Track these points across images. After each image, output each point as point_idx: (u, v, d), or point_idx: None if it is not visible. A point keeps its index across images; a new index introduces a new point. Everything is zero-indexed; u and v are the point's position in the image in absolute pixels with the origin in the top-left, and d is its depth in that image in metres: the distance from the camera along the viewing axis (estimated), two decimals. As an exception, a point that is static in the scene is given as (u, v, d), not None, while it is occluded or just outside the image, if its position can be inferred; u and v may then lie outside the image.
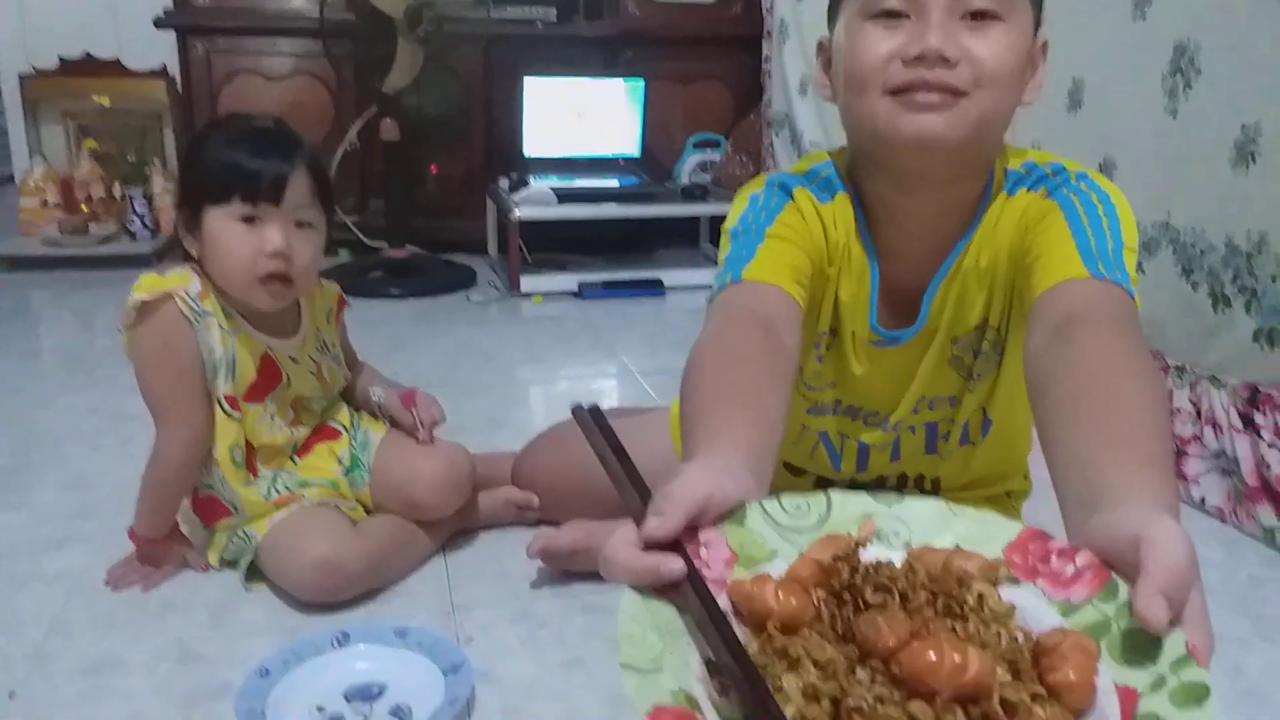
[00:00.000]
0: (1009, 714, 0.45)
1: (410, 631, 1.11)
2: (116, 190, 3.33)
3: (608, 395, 2.02)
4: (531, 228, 2.85)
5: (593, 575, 1.26)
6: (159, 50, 3.30)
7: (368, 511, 1.34)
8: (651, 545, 0.51)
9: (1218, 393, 1.46)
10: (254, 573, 1.26)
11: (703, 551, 0.53)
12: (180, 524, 1.31)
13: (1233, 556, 1.38)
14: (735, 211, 0.99)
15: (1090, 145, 1.71)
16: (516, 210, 2.76)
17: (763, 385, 0.76)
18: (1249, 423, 1.42)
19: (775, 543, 0.55)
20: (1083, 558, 0.52)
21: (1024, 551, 0.53)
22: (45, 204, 3.28)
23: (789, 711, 0.45)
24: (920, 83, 0.84)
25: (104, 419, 1.84)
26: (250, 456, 1.28)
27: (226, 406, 1.24)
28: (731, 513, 0.56)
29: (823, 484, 1.14)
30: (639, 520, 0.53)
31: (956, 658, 0.44)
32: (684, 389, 0.76)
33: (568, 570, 1.27)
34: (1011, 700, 0.45)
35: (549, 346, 2.41)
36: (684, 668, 0.46)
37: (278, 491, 1.28)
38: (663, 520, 0.52)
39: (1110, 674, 0.46)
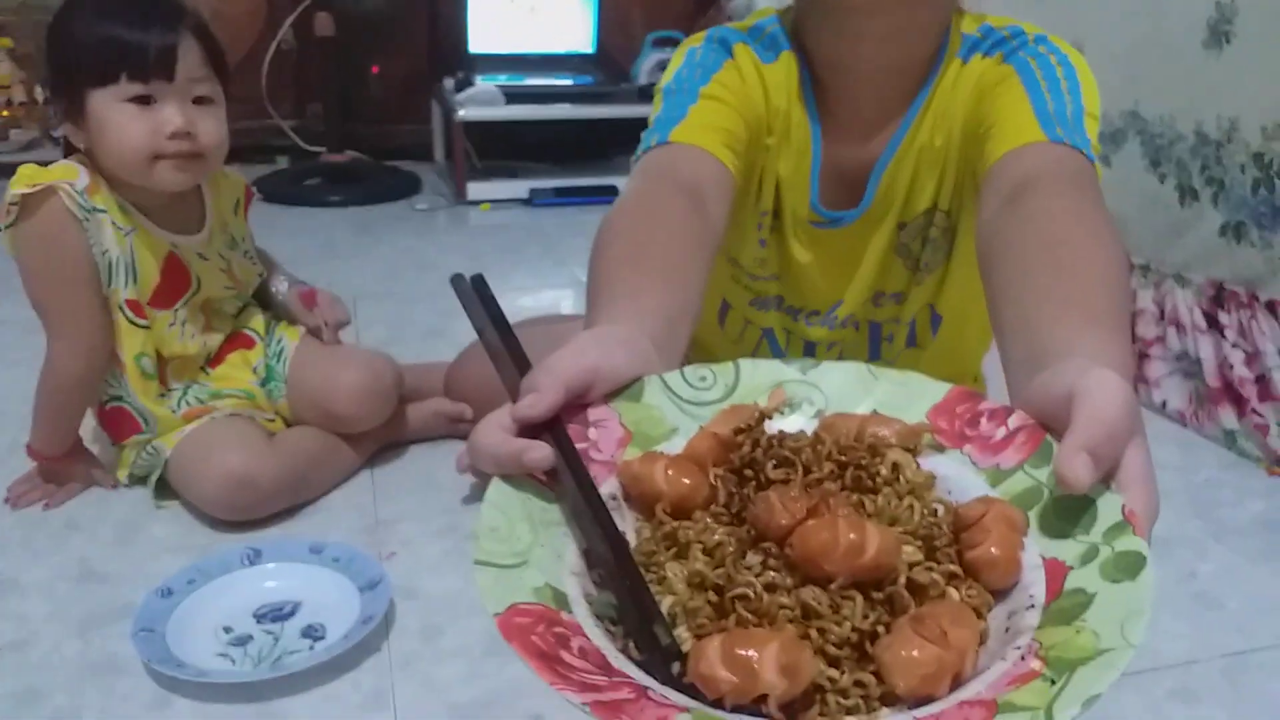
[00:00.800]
0: (918, 597, 0.40)
1: (326, 547, 1.05)
2: (39, 94, 3.15)
3: (556, 307, 1.93)
4: (480, 131, 2.72)
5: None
6: (78, -60, 3.09)
7: (287, 424, 1.26)
8: (526, 426, 0.45)
9: (1182, 292, 1.41)
10: (165, 489, 1.18)
11: (592, 432, 0.47)
12: (88, 442, 1.23)
13: (1191, 459, 1.34)
14: (671, 68, 0.90)
15: (1056, 30, 1.61)
16: (461, 111, 2.62)
17: (679, 251, 0.68)
18: (1213, 322, 1.36)
19: (676, 419, 0.49)
20: (1016, 419, 0.46)
21: (950, 415, 0.47)
22: (-38, 108, 3.09)
23: (668, 603, 0.41)
24: None
25: (12, 330, 1.73)
26: (161, 368, 1.19)
27: (130, 313, 1.14)
28: (627, 388, 0.49)
29: None
30: (515, 399, 0.46)
31: (853, 536, 0.39)
32: (592, 257, 0.68)
33: None
34: (921, 582, 0.40)
35: (495, 256, 2.31)
36: (556, 561, 0.42)
37: (188, 404, 1.19)
38: (537, 397, 0.45)
39: (1038, 547, 0.41)
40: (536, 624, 0.38)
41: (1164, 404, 1.45)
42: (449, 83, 2.74)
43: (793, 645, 0.36)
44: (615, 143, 3.16)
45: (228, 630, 0.96)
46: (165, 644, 0.91)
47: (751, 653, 0.35)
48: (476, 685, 0.89)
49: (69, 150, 1.13)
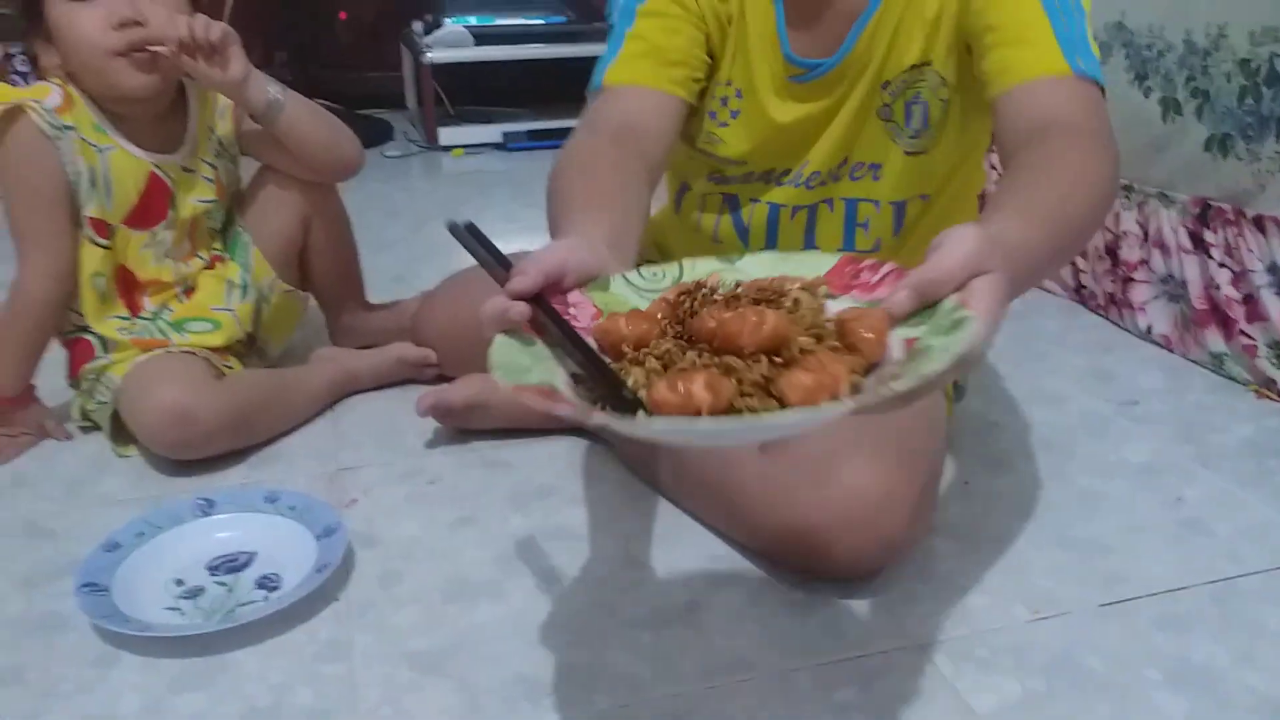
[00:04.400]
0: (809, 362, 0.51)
1: (281, 495, 1.01)
2: (-5, 48, 3.05)
3: (533, 249, 1.88)
4: (451, 75, 2.64)
5: (492, 433, 1.16)
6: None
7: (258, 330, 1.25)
8: (516, 299, 0.54)
9: (1167, 212, 1.36)
10: (122, 434, 1.14)
11: (571, 311, 0.58)
12: (41, 400, 1.19)
13: (1179, 384, 1.31)
14: None
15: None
16: (429, 54, 2.54)
17: (616, 190, 0.77)
18: (1199, 242, 1.32)
19: (636, 301, 0.60)
20: (886, 266, 0.58)
21: (840, 274, 0.59)
22: (-84, 65, 3.00)
23: (630, 380, 0.53)
24: None
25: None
26: (133, 290, 1.16)
27: (91, 231, 1.12)
28: (596, 281, 0.60)
29: None
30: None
31: (754, 318, 0.51)
32: (547, 199, 0.78)
33: (465, 428, 1.17)
34: (810, 349, 0.51)
35: (467, 201, 2.25)
36: (551, 377, 0.53)
37: (150, 334, 1.16)
38: (522, 276, 0.54)
39: (900, 334, 0.52)
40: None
41: (1149, 329, 1.41)
42: (418, 26, 2.66)
43: (715, 376, 0.49)
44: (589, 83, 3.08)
45: (179, 583, 0.92)
46: (110, 600, 0.87)
47: (686, 380, 0.48)
48: (435, 633, 0.86)
49: (41, 72, 1.11)
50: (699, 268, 0.62)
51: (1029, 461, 1.12)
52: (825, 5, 0.90)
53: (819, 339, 0.52)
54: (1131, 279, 1.43)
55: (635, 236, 0.72)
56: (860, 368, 0.51)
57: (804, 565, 0.89)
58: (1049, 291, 1.61)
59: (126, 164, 1.13)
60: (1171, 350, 1.38)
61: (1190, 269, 1.33)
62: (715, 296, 0.57)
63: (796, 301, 0.56)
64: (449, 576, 0.93)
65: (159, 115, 1.14)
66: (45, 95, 1.09)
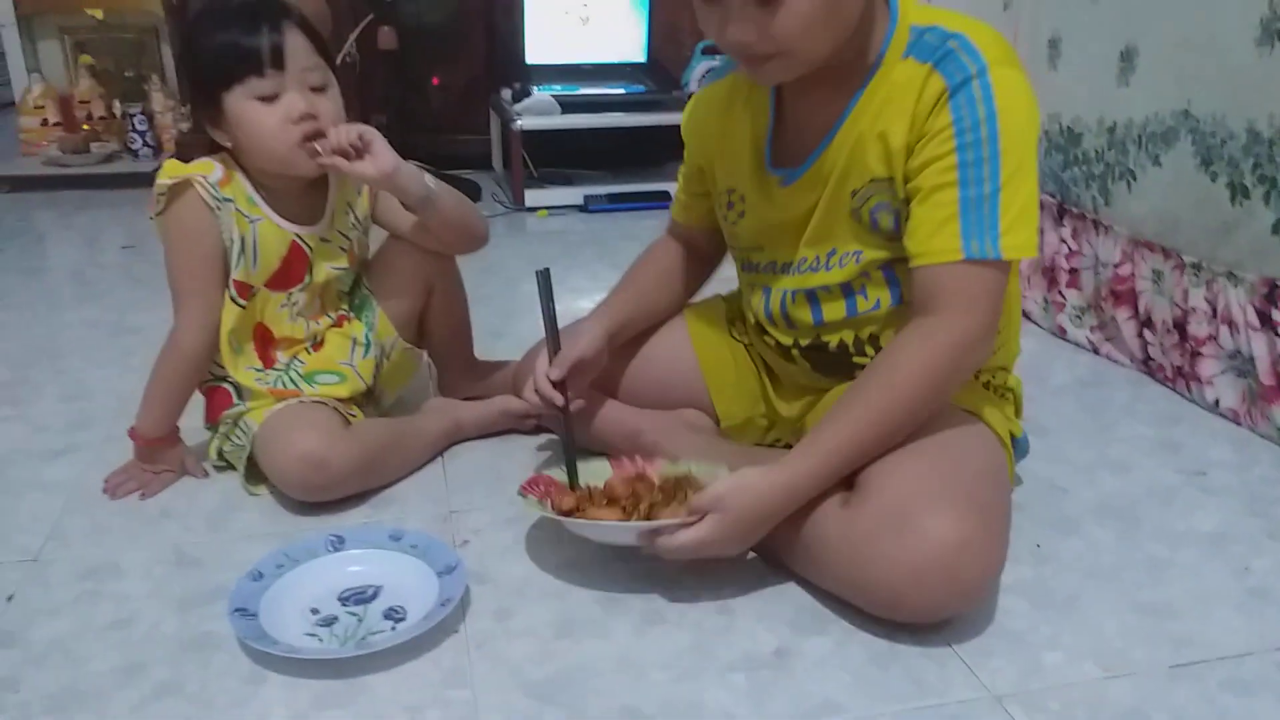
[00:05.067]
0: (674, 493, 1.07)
1: (405, 535, 1.11)
2: (116, 108, 3.28)
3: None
4: (536, 140, 2.79)
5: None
6: (152, -39, 3.21)
7: (377, 374, 1.35)
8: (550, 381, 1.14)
9: (1235, 290, 1.42)
10: (254, 474, 1.26)
11: (647, 468, 1.16)
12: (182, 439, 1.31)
13: (1245, 458, 1.35)
14: None
15: (1110, 31, 1.63)
16: (519, 121, 2.70)
17: (649, 275, 1.31)
18: (1266, 320, 1.37)
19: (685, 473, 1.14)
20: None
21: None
22: (45, 123, 3.23)
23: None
24: (737, 57, 1.00)
25: (104, 333, 1.84)
26: (268, 344, 1.29)
27: (233, 292, 1.24)
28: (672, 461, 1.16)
29: (783, 349, 1.21)
30: (551, 357, 1.15)
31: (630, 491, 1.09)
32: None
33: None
34: (655, 501, 1.06)
35: (552, 260, 2.35)
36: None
37: (283, 384, 1.27)
38: (556, 369, 1.14)
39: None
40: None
41: (1217, 402, 1.46)
42: (506, 93, 2.82)
43: (612, 509, 1.06)
44: (666, 149, 3.19)
45: (315, 611, 1.02)
46: (259, 624, 0.98)
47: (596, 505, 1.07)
48: (548, 665, 0.94)
49: (213, 149, 1.25)
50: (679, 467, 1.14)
51: (1099, 527, 1.18)
52: (802, 120, 1.08)
53: (670, 495, 1.06)
54: (1199, 353, 1.48)
55: (636, 317, 1.26)
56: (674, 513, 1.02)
57: (884, 611, 0.96)
58: (1117, 363, 1.66)
59: (272, 233, 1.25)
60: (1239, 424, 1.43)
61: (1258, 345, 1.39)
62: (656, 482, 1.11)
63: (679, 482, 1.08)
64: (558, 614, 1.02)
65: (304, 190, 1.27)
66: (209, 171, 1.22)
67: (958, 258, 0.96)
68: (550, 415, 1.21)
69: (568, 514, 1.05)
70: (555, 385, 1.15)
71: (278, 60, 1.16)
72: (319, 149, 1.19)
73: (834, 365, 1.15)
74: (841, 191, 1.06)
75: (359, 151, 1.19)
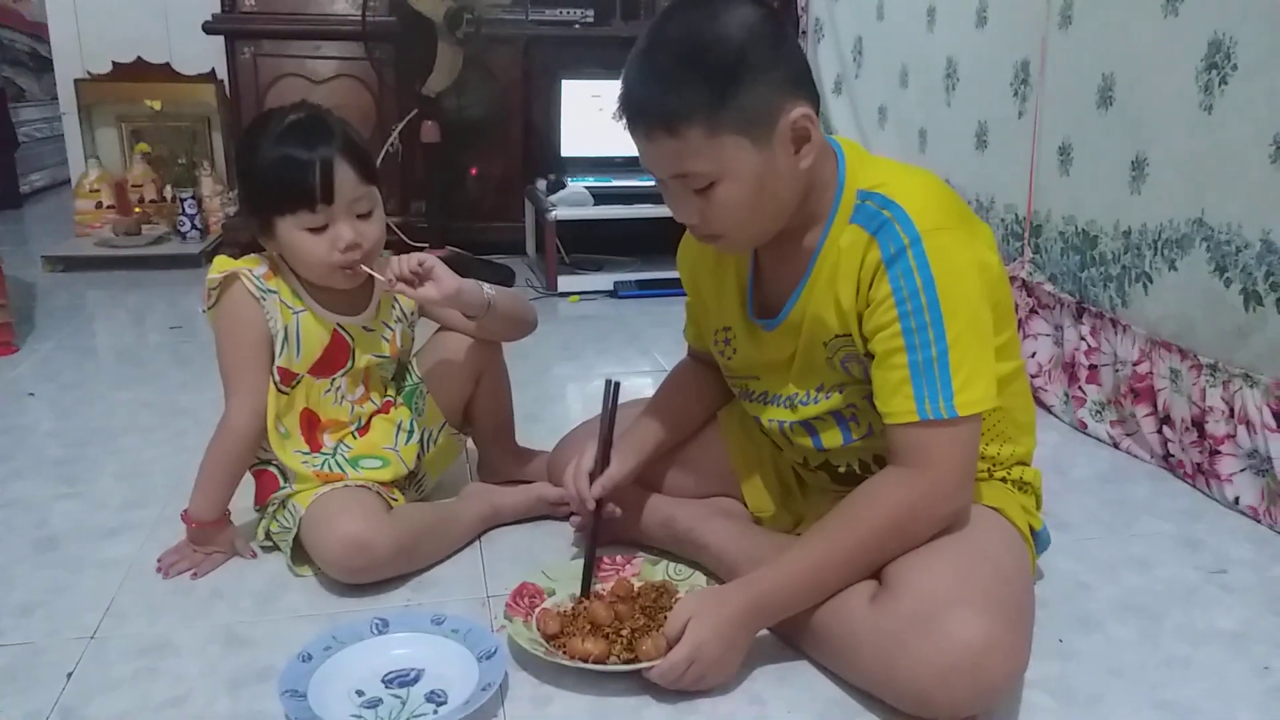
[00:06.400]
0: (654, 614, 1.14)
1: (447, 619, 1.15)
2: (167, 192, 3.43)
3: (641, 392, 2.04)
4: (568, 227, 2.89)
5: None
6: (208, 55, 3.39)
7: (421, 455, 1.41)
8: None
9: (1251, 391, 1.46)
10: (300, 555, 1.31)
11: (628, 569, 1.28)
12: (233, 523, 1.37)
13: (1265, 555, 1.38)
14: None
15: (1121, 142, 1.70)
16: (553, 211, 2.80)
17: (676, 402, 1.35)
18: (1282, 421, 1.41)
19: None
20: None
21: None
22: (100, 206, 3.38)
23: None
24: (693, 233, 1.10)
25: (156, 413, 1.91)
26: (314, 428, 1.34)
27: (276, 379, 1.31)
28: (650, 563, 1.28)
29: (800, 463, 1.28)
30: (597, 467, 1.25)
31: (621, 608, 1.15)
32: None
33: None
34: (636, 626, 1.12)
35: (584, 345, 2.45)
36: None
37: (329, 468, 1.33)
38: (595, 487, 1.23)
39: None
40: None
41: (1236, 499, 1.49)
42: (542, 184, 2.93)
43: (598, 643, 1.10)
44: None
45: (360, 693, 1.06)
46: (308, 704, 1.02)
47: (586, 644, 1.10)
48: (584, 750, 0.98)
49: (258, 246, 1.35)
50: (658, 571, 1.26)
51: (1120, 624, 1.21)
52: (774, 274, 1.15)
53: (650, 617, 1.13)
54: (1218, 451, 1.52)
55: (658, 439, 1.30)
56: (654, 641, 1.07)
57: (911, 709, 0.99)
58: (1137, 458, 1.70)
59: (314, 324, 1.32)
60: (1259, 521, 1.46)
61: (1275, 446, 1.42)
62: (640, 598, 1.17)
63: (657, 597, 1.16)
64: (594, 701, 1.06)
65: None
66: (256, 266, 1.31)
67: (914, 419, 1.01)
68: (582, 512, 1.27)
69: (553, 637, 1.11)
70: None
71: (327, 196, 1.24)
72: (358, 271, 1.28)
73: (849, 479, 1.19)
74: (814, 342, 1.12)
75: (420, 278, 1.29)
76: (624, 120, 1.03)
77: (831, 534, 1.06)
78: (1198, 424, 1.56)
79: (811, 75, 1.04)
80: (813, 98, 1.03)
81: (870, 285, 1.04)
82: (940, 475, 1.02)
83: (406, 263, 1.28)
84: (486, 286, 1.36)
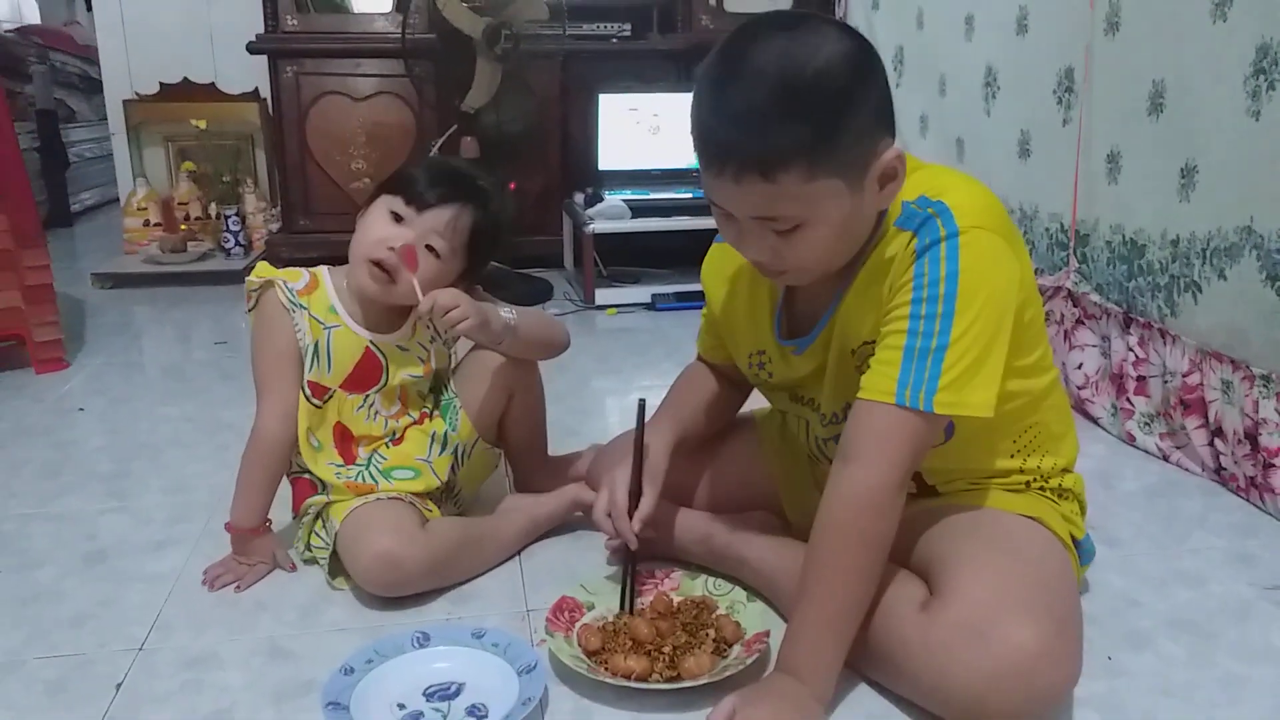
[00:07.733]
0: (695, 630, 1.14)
1: (487, 633, 1.15)
2: (212, 210, 3.49)
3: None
4: (606, 241, 2.90)
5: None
6: (251, 74, 3.46)
7: (457, 466, 1.42)
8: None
9: (1306, 402, 1.42)
10: (337, 568, 1.32)
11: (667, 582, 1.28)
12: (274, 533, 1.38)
13: (1324, 570, 1.34)
14: None
15: (1170, 149, 1.67)
16: (591, 225, 2.81)
17: (689, 401, 1.36)
18: (1339, 433, 1.37)
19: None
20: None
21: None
22: (147, 224, 3.45)
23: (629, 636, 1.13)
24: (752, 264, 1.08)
25: (200, 428, 1.94)
26: (348, 441, 1.36)
27: (308, 392, 1.33)
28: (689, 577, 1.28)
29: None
30: (631, 487, 1.22)
31: (664, 624, 1.14)
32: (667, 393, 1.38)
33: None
34: (679, 644, 1.12)
35: (623, 357, 2.45)
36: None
37: (362, 479, 1.34)
38: (635, 521, 1.21)
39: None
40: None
41: (1293, 514, 1.45)
42: (579, 197, 2.95)
43: (641, 660, 1.09)
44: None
45: (401, 706, 1.06)
46: (350, 716, 1.02)
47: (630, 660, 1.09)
48: (625, 766, 0.97)
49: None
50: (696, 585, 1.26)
51: (1172, 641, 1.18)
52: (807, 297, 1.14)
53: (691, 634, 1.13)
54: (1272, 464, 1.48)
55: (695, 432, 1.32)
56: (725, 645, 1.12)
57: (961, 718, 0.98)
58: (1188, 471, 1.66)
59: (347, 340, 1.35)
60: (1316, 536, 1.42)
61: (1331, 459, 1.39)
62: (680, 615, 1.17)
63: (698, 613, 1.17)
64: (634, 715, 1.05)
65: (388, 305, 1.37)
66: (295, 279, 1.34)
67: (889, 400, 0.98)
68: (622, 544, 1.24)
69: (594, 653, 1.11)
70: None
71: (422, 204, 1.30)
72: (382, 274, 1.30)
73: None
74: (843, 351, 1.10)
75: (447, 311, 1.30)
76: (705, 160, 0.97)
77: (810, 584, 1.01)
78: (1250, 436, 1.52)
79: (893, 105, 0.99)
80: (894, 129, 0.99)
81: (902, 273, 1.01)
82: (886, 473, 0.98)
83: (428, 304, 1.28)
84: (506, 310, 1.38)
